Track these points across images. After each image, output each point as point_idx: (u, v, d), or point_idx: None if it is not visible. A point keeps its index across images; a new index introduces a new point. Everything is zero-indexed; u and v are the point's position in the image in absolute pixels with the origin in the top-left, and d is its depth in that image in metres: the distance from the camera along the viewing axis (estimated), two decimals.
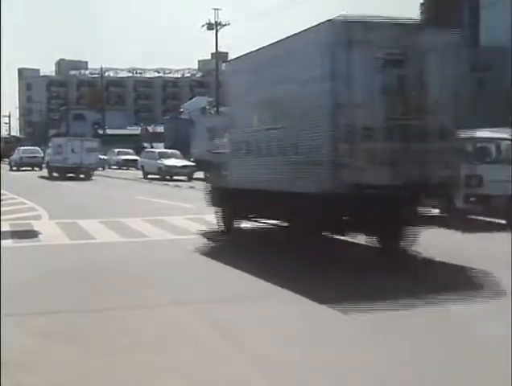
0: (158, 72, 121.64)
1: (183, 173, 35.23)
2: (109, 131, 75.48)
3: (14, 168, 46.95)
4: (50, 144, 42.17)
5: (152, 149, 42.94)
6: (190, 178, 34.32)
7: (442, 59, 9.66)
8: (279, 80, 10.62)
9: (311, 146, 9.75)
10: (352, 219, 10.23)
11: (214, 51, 59.50)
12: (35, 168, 46.10)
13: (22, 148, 50.18)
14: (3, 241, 11.82)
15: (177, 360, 5.77)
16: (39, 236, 13.11)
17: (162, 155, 37.40)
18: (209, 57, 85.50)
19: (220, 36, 57.37)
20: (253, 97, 11.58)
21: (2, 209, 16.35)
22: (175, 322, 6.97)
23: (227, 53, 63.18)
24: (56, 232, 13.54)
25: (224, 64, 17.03)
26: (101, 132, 74.67)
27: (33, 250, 11.57)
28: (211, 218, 14.18)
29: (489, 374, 5.27)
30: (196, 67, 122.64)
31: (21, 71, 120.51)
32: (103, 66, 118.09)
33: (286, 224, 11.69)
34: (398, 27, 9.60)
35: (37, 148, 49.42)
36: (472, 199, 14.22)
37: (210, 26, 58.31)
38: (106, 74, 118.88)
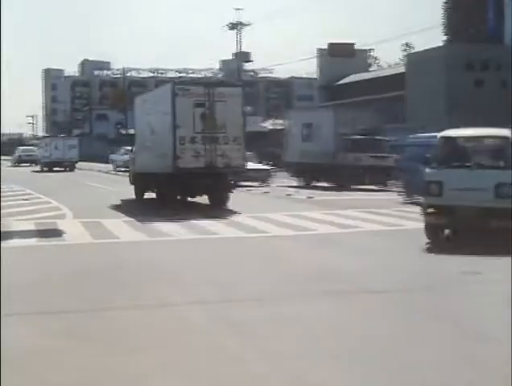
0: (180, 72, 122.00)
1: (257, 177, 29.92)
2: (132, 131, 75.68)
3: (15, 164, 56.00)
4: (40, 143, 52.07)
5: None
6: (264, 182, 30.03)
7: (226, 102, 19.12)
8: (152, 112, 21.43)
9: (165, 147, 19.44)
10: (186, 187, 19.36)
11: (236, 50, 59.66)
12: (32, 164, 53.74)
13: (20, 147, 60.43)
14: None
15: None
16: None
17: None
18: (231, 57, 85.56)
19: (242, 36, 57.49)
20: (143, 119, 22.72)
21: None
22: None
23: (249, 53, 63.33)
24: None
25: (138, 98, 24.10)
26: (123, 132, 75.07)
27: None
28: None
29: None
30: (218, 67, 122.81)
31: (46, 72, 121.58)
32: (126, 66, 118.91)
33: (159, 192, 21.10)
34: (203, 86, 20.16)
35: (33, 147, 58.26)
36: (430, 210, 11.95)
37: (232, 27, 58.43)
38: (129, 74, 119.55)
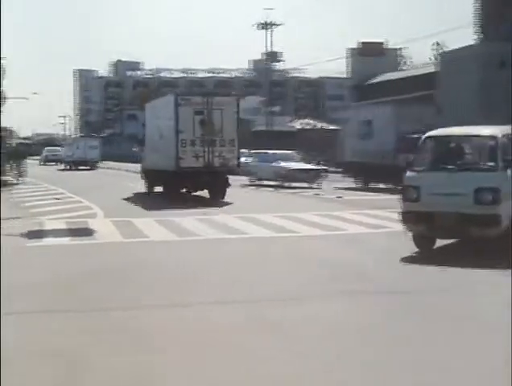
0: (211, 72, 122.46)
1: (305, 178, 29.14)
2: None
3: (42, 163, 60.09)
4: (64, 144, 56.79)
5: (264, 150, 34.31)
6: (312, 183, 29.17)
7: (222, 110, 22.13)
8: (159, 117, 24.66)
9: (169, 149, 22.39)
10: (188, 183, 22.78)
11: (266, 50, 59.75)
12: (57, 163, 57.61)
13: (47, 148, 63.92)
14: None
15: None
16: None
17: (279, 157, 31.26)
18: (261, 57, 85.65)
19: (273, 36, 57.53)
20: (151, 123, 26.18)
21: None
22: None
23: (279, 53, 63.37)
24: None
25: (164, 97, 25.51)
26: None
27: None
28: None
29: None
30: (248, 66, 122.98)
31: (79, 73, 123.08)
32: (157, 67, 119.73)
33: (165, 187, 24.16)
34: (202, 96, 22.84)
35: (58, 147, 61.54)
36: (408, 216, 11.07)
37: (262, 26, 58.48)
38: (160, 74, 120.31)
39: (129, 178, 33.85)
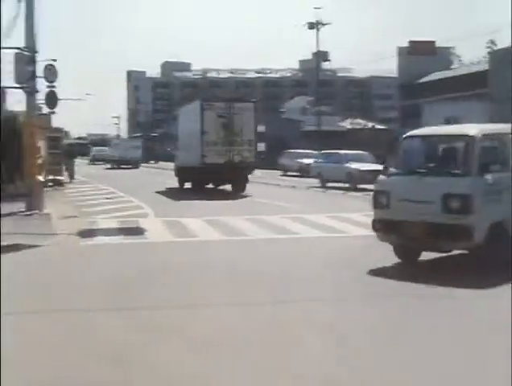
0: (259, 73, 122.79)
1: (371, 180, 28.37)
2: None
3: (90, 163, 63.81)
4: (110, 144, 60.54)
5: (333, 151, 32.56)
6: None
7: (242, 114, 25.36)
8: (188, 121, 28.16)
9: (196, 147, 25.74)
10: (211, 178, 26.24)
11: (315, 50, 59.53)
12: (104, 162, 60.44)
13: (94, 148, 67.89)
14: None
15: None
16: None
17: (351, 158, 29.49)
18: (310, 56, 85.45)
19: (321, 35, 57.26)
20: (183, 126, 29.81)
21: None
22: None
23: (328, 52, 63.09)
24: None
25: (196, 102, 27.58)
26: None
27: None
28: None
29: None
30: (297, 66, 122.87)
31: (129, 74, 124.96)
32: (205, 67, 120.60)
33: (192, 182, 27.64)
34: (224, 102, 25.97)
35: (104, 147, 63.95)
36: (378, 224, 10.10)
37: (311, 26, 58.26)
38: (208, 75, 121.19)
39: (166, 176, 35.83)
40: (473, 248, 9.37)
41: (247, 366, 5.76)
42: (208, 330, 6.86)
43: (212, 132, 25.04)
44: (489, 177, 9.34)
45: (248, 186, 25.65)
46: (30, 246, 12.20)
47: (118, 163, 53.39)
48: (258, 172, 29.22)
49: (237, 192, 25.00)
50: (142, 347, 6.23)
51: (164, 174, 39.61)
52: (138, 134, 74.65)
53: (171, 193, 26.05)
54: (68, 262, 11.17)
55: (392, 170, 10.43)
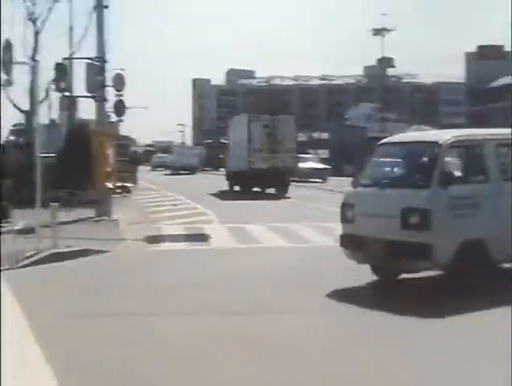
0: (323, 79, 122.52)
1: None
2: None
3: (151, 169, 66.37)
4: (171, 151, 64.93)
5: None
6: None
7: (284, 125, 29.00)
8: (238, 130, 31.07)
9: (243, 154, 29.11)
10: (256, 181, 28.83)
11: (380, 56, 59.11)
12: (164, 168, 62.98)
13: (155, 155, 72.00)
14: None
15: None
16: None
17: None
18: (375, 63, 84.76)
19: (386, 41, 56.85)
20: (233, 135, 33.11)
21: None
22: None
23: (393, 58, 62.59)
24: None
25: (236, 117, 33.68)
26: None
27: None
28: None
29: None
30: (361, 73, 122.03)
31: (195, 82, 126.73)
32: (269, 74, 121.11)
33: (240, 185, 30.16)
34: (269, 115, 29.61)
35: (165, 154, 68.07)
36: (345, 239, 9.34)
37: (376, 32, 57.92)
38: (272, 82, 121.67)
39: (217, 180, 37.49)
40: (436, 269, 8.50)
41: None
42: (278, 337, 6.93)
43: (258, 140, 28.52)
44: (456, 189, 8.36)
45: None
46: (99, 251, 12.58)
47: (177, 169, 55.78)
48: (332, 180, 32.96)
49: (280, 195, 27.42)
50: (214, 354, 6.36)
51: (216, 179, 40.33)
52: (209, 140, 75.37)
53: (221, 194, 28.57)
54: (136, 267, 11.45)
55: (364, 181, 9.45)
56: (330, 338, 6.87)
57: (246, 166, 28.47)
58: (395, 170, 9.65)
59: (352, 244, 9.14)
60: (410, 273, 9.17)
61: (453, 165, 8.79)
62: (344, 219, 9.31)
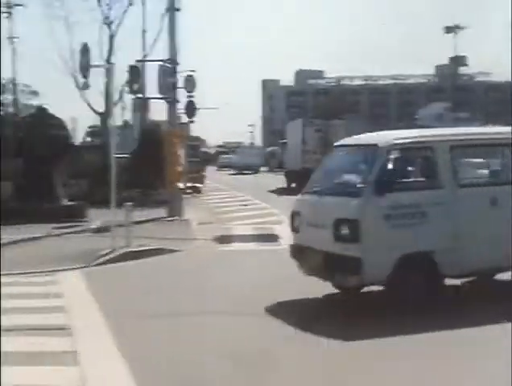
0: (394, 79, 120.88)
1: None
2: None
3: (217, 169, 68.91)
4: (235, 151, 66.86)
5: None
6: None
7: (335, 129, 30.81)
8: (294, 134, 34.87)
9: (297, 155, 32.35)
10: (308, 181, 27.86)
11: (452, 55, 57.90)
12: (228, 168, 65.38)
13: (221, 155, 74.75)
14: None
15: None
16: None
17: None
18: (447, 62, 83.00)
19: (459, 39, 55.65)
20: (290, 136, 37.16)
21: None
22: None
23: (465, 57, 61.15)
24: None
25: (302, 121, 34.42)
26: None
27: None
28: None
29: None
30: (432, 72, 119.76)
31: (264, 83, 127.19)
32: (339, 75, 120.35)
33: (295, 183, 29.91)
34: (321, 119, 34.46)
35: (230, 155, 69.56)
36: (292, 249, 8.75)
37: (448, 30, 56.78)
38: (342, 82, 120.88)
39: (275, 179, 38.17)
40: (369, 285, 7.77)
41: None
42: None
43: (310, 143, 31.56)
44: (396, 196, 7.55)
45: None
46: (171, 250, 12.81)
47: (241, 169, 57.76)
48: None
49: None
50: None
51: (275, 178, 40.88)
52: (283, 140, 75.78)
53: (278, 191, 30.28)
54: (209, 266, 11.59)
55: (309, 188, 8.81)
56: None
57: (300, 166, 30.38)
58: (335, 175, 8.69)
59: (298, 254, 8.54)
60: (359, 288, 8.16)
61: (398, 170, 7.87)
62: (292, 228, 8.75)
